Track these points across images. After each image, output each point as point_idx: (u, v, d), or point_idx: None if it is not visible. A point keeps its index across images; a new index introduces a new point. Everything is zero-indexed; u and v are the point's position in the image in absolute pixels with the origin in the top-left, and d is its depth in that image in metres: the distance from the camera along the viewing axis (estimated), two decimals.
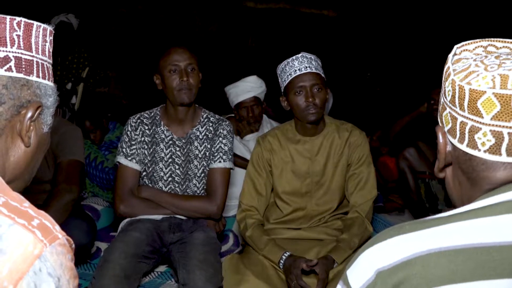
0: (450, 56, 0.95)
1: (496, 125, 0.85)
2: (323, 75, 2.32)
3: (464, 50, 0.96)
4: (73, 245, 0.88)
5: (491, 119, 0.86)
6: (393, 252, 0.83)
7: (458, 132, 0.91)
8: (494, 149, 0.87)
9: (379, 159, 4.08)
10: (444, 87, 0.94)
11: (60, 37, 4.86)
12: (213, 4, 6.98)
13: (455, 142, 0.92)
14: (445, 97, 0.94)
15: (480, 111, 0.86)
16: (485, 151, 0.88)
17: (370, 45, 6.64)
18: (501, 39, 0.96)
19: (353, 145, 2.38)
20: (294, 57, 2.30)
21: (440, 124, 0.97)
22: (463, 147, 0.90)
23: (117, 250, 2.19)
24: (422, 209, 3.51)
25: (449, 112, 0.93)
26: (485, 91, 0.85)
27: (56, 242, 0.81)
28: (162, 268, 2.67)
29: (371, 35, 6.63)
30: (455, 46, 0.96)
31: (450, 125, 0.93)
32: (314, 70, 2.27)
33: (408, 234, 0.84)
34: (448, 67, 0.94)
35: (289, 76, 2.29)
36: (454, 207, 0.97)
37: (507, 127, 0.85)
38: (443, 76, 0.95)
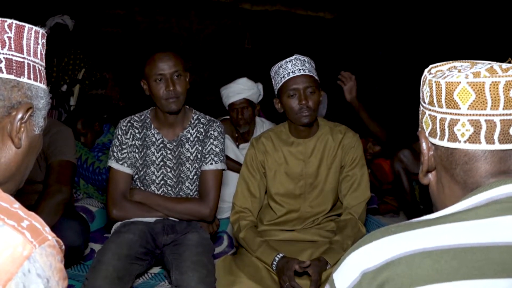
0: (425, 72, 1.02)
1: (473, 114, 0.91)
2: (316, 77, 2.33)
3: (438, 71, 1.01)
4: (63, 247, 0.88)
5: (468, 108, 0.91)
6: (378, 253, 0.84)
7: (438, 130, 0.96)
8: (474, 138, 0.91)
9: (374, 161, 4.08)
10: (422, 93, 1.01)
11: (56, 39, 4.87)
12: (209, 6, 6.98)
13: (436, 141, 0.97)
14: (424, 102, 1.00)
15: (457, 102, 0.92)
16: (465, 141, 0.92)
17: (366, 47, 6.66)
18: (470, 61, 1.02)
19: (347, 147, 2.39)
20: (287, 59, 2.30)
21: (420, 130, 1.02)
22: (444, 142, 0.94)
23: (110, 251, 2.19)
24: (416, 211, 3.51)
25: (429, 115, 0.98)
26: (460, 82, 0.91)
27: (45, 243, 0.82)
28: (155, 270, 2.67)
29: (368, 37, 6.64)
30: (429, 67, 1.03)
31: (430, 127, 0.98)
32: (307, 73, 2.28)
33: (394, 235, 0.86)
34: (425, 76, 1.00)
35: (282, 79, 2.29)
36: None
37: (483, 115, 0.90)
38: (420, 85, 1.02)
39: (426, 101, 0.98)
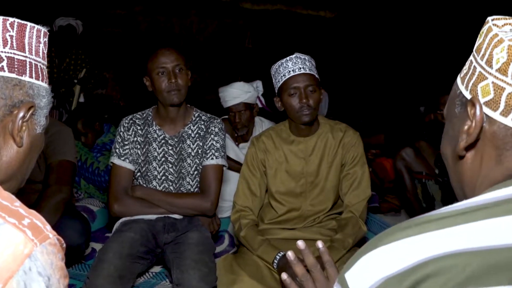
0: (488, 24, 0.86)
1: None
2: (317, 76, 2.33)
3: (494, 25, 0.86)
4: (64, 245, 0.88)
5: None
6: (402, 256, 0.74)
7: (502, 104, 0.80)
8: None
9: (376, 160, 4.09)
10: (490, 54, 0.83)
11: (65, 39, 4.97)
12: (210, 5, 6.98)
13: (496, 115, 0.81)
14: (490, 66, 0.82)
15: None
16: None
17: (367, 45, 6.66)
18: None
19: (347, 145, 2.39)
20: (288, 58, 2.30)
21: (470, 95, 0.85)
22: (508, 120, 0.80)
23: (111, 250, 2.19)
24: (418, 209, 3.51)
25: (493, 82, 0.81)
26: None
27: (46, 241, 0.82)
28: (156, 269, 2.68)
29: (368, 36, 6.64)
30: (492, 18, 0.86)
31: (491, 97, 0.82)
32: (308, 71, 2.28)
33: (417, 236, 0.75)
34: (496, 34, 0.83)
35: (283, 77, 2.29)
36: (456, 196, 0.90)
37: None
38: (485, 42, 0.85)
39: (496, 66, 0.81)
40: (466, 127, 0.84)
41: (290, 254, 1.22)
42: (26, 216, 0.83)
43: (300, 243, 1.21)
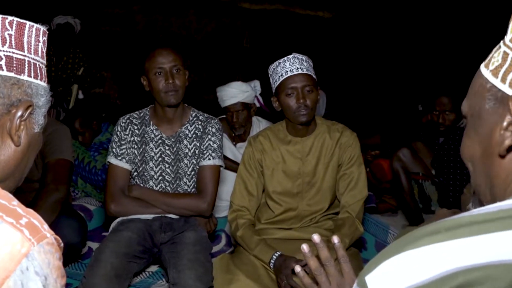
0: None
1: None
2: (314, 76, 2.33)
3: None
4: (61, 244, 0.88)
5: None
6: (429, 265, 0.69)
7: None
8: None
9: (373, 161, 4.09)
10: None
11: (62, 37, 4.97)
12: (208, 5, 6.98)
13: None
14: None
15: None
16: None
17: (365, 46, 6.66)
18: None
19: (344, 145, 2.39)
20: (285, 58, 2.30)
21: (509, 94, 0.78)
22: None
23: (108, 250, 2.19)
24: (415, 210, 3.52)
25: None
26: None
27: (44, 241, 0.82)
28: (153, 268, 2.67)
29: (366, 36, 6.65)
30: None
31: None
32: (305, 71, 2.28)
33: (446, 243, 0.70)
34: None
35: (280, 77, 2.29)
36: (480, 198, 0.85)
37: None
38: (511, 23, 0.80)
39: None
40: (505, 123, 0.77)
41: (304, 247, 1.18)
42: (23, 216, 0.83)
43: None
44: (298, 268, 1.22)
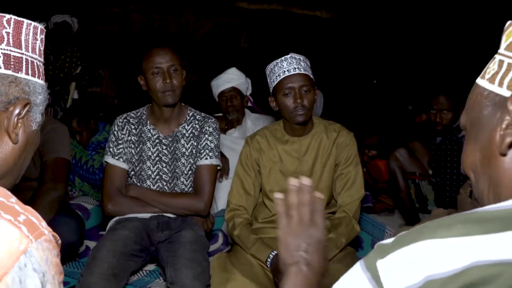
0: None
1: None
2: (311, 76, 2.34)
3: None
4: (59, 241, 0.88)
5: None
6: (446, 257, 0.70)
7: None
8: None
9: (370, 161, 4.11)
10: None
11: (60, 35, 4.96)
12: (206, 5, 6.97)
13: None
14: None
15: None
16: None
17: (363, 46, 6.67)
18: None
19: (341, 145, 2.40)
20: (283, 58, 2.31)
21: (509, 91, 0.80)
22: None
23: (105, 248, 2.20)
24: (412, 209, 3.53)
25: None
26: None
27: (42, 238, 0.82)
28: (150, 267, 2.68)
29: (365, 36, 6.66)
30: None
31: None
32: (302, 71, 2.29)
33: (461, 238, 0.71)
34: None
35: (277, 77, 2.30)
36: (483, 202, 0.85)
37: None
38: None
39: None
40: (505, 124, 0.79)
41: (292, 179, 1.08)
42: (21, 213, 0.83)
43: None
44: (277, 195, 1.12)
